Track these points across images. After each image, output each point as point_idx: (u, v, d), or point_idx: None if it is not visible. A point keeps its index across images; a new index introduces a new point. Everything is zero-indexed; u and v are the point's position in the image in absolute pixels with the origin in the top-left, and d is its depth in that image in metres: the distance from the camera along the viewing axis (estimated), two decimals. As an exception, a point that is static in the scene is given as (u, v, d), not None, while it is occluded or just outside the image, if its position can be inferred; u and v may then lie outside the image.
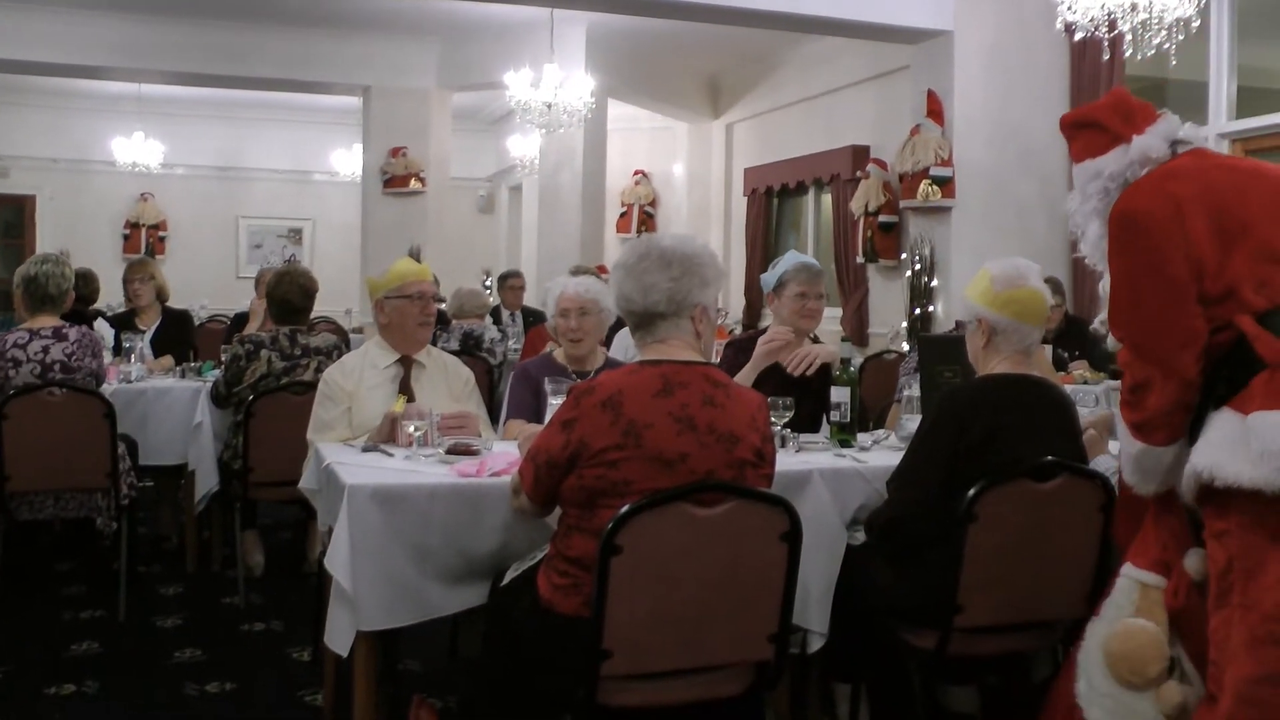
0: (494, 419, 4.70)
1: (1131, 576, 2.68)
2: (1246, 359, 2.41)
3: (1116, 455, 2.90)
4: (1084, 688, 2.67)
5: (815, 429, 4.16)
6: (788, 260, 4.39)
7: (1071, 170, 2.79)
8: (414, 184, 11.44)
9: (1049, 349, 6.23)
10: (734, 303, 12.10)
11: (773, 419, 3.54)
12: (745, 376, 4.21)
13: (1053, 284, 6.33)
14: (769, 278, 4.41)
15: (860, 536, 3.38)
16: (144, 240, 14.82)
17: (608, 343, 5.27)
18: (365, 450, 3.58)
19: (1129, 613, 2.66)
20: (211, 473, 5.42)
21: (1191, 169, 2.59)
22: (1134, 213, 2.53)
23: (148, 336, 6.56)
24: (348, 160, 14.67)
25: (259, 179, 15.59)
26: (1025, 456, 3.01)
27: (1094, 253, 2.70)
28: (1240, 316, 2.44)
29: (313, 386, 4.33)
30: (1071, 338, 6.81)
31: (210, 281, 14.32)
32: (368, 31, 10.97)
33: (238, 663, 4.29)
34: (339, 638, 3.07)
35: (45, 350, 4.76)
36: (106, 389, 5.09)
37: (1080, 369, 6.35)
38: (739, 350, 4.41)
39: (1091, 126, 2.74)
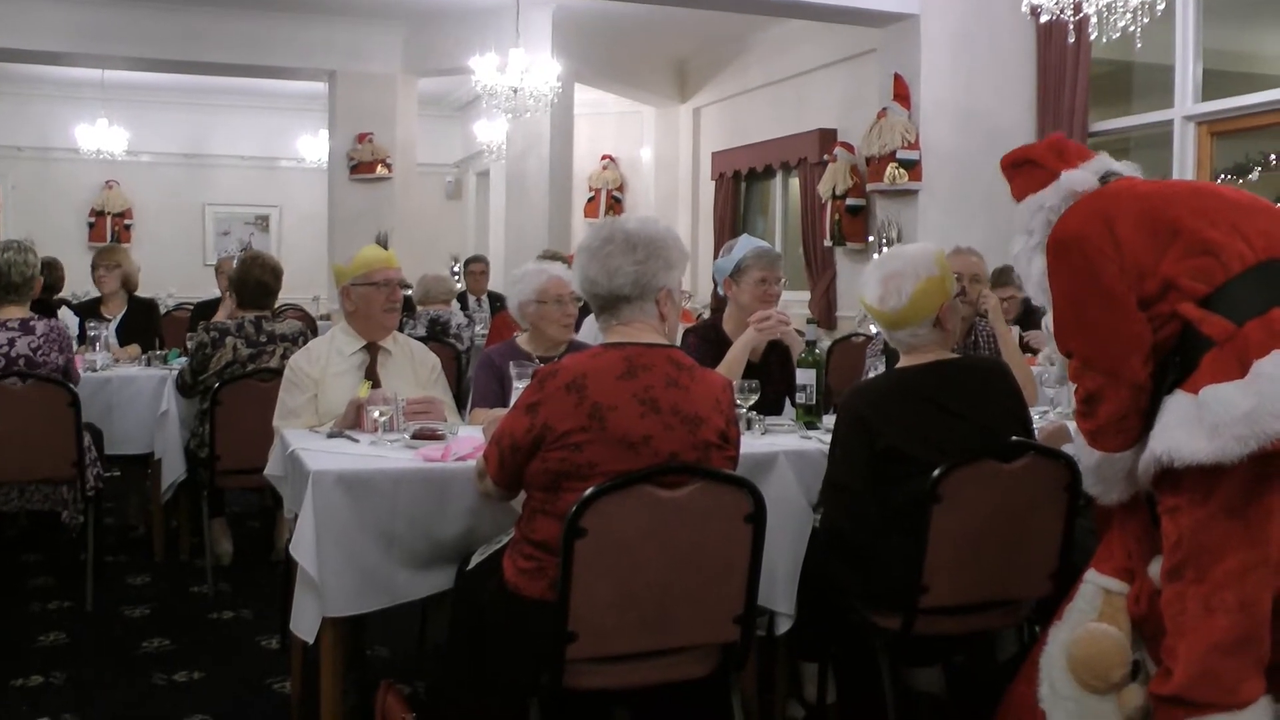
0: (462, 405, 4.69)
1: (1095, 583, 2.74)
2: (1194, 342, 2.47)
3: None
4: (1046, 691, 2.72)
5: (780, 412, 4.17)
6: (744, 245, 4.36)
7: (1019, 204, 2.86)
8: (380, 170, 11.38)
9: (1016, 330, 6.25)
10: (701, 286, 12.11)
11: (738, 401, 3.57)
12: (735, 362, 4.15)
13: (1004, 272, 6.33)
14: (725, 264, 4.38)
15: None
16: (109, 228, 14.68)
17: (577, 328, 5.25)
18: (330, 436, 3.58)
19: (1091, 618, 2.71)
20: (178, 461, 5.39)
21: (1118, 189, 2.70)
22: (1067, 235, 2.64)
23: (113, 325, 6.51)
24: (314, 146, 14.58)
25: (225, 166, 15.47)
26: (959, 437, 3.02)
27: (1038, 291, 2.78)
28: (1182, 305, 2.50)
29: (278, 373, 4.31)
30: (1026, 327, 6.82)
31: (177, 269, 14.22)
32: (332, 16, 10.89)
33: (206, 651, 4.28)
34: (305, 624, 3.06)
35: (11, 343, 4.65)
36: (70, 378, 5.04)
37: (1039, 339, 6.32)
38: (701, 338, 4.39)
39: (1029, 164, 2.86)
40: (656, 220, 2.85)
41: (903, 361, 3.24)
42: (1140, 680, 2.63)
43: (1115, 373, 2.54)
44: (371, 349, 4.11)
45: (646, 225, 2.79)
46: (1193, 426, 2.38)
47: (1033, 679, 2.76)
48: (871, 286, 3.20)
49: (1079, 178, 2.75)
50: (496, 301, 9.47)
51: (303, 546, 2.99)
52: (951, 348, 3.32)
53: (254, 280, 5.33)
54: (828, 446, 3.48)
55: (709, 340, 4.35)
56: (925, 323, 3.15)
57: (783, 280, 4.38)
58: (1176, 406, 2.44)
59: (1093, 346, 2.58)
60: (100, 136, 13.61)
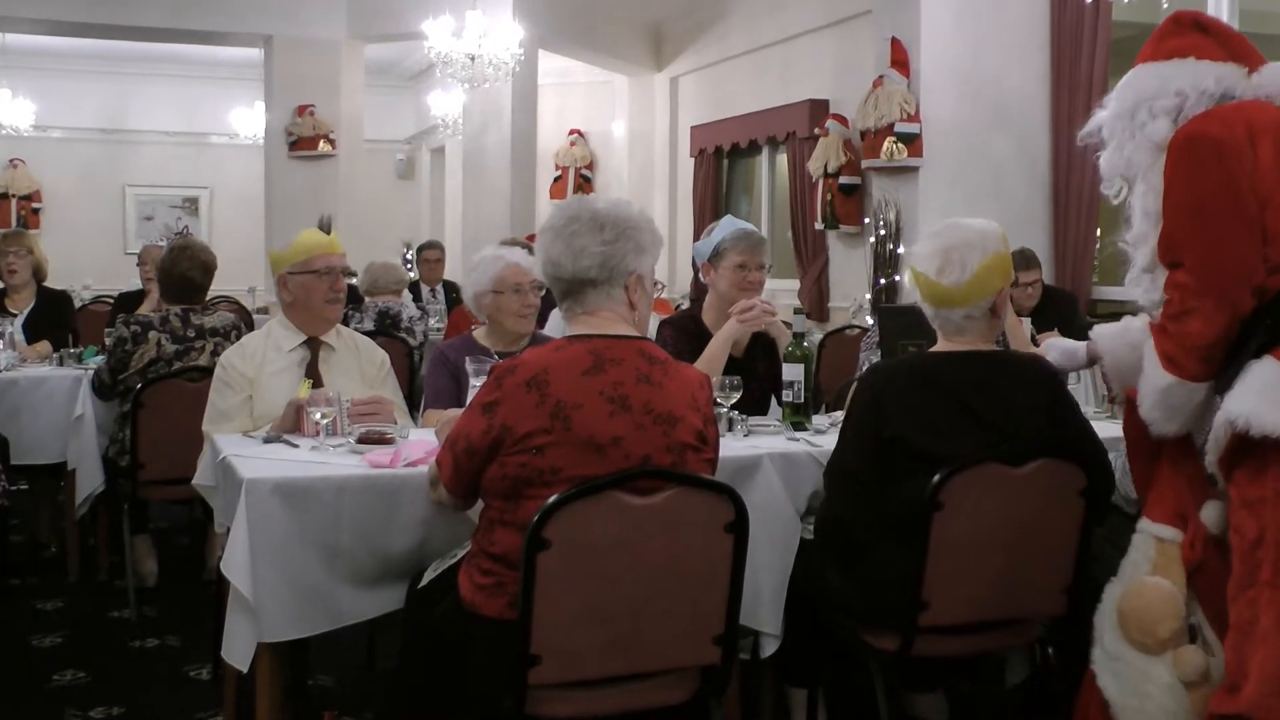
0: (414, 406, 4.70)
1: (1146, 531, 2.78)
2: None
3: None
4: (1098, 653, 2.77)
5: (765, 412, 4.20)
6: (725, 227, 4.40)
7: (1133, 74, 2.86)
8: (323, 146, 11.38)
9: (1028, 323, 6.28)
10: (680, 274, 12.15)
11: (718, 399, 3.59)
12: (716, 357, 4.17)
13: (1025, 256, 6.37)
14: (703, 246, 4.42)
15: (816, 527, 3.42)
16: (14, 212, 14.58)
17: (542, 320, 5.27)
18: (267, 441, 3.59)
19: (1145, 570, 2.75)
20: (95, 471, 5.37)
21: (1267, 107, 2.73)
22: (1207, 134, 2.65)
23: (19, 320, 6.47)
24: (248, 121, 14.53)
25: (148, 142, 15.42)
26: (972, 442, 3.04)
27: (1115, 173, 2.83)
28: None
29: (208, 372, 4.31)
30: (1048, 314, 6.86)
31: (93, 258, 14.16)
32: (268, -26, 10.90)
33: (128, 684, 4.27)
34: (239, 651, 3.07)
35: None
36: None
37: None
38: (678, 330, 4.41)
39: (1206, 32, 2.85)
40: (628, 202, 2.87)
41: (939, 346, 3.26)
42: (1199, 644, 2.66)
43: (1222, 293, 2.58)
44: (313, 344, 4.11)
45: (616, 205, 2.81)
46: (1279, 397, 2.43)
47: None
48: (928, 256, 3.20)
49: (1273, 80, 2.78)
50: (453, 292, 9.49)
51: (236, 564, 3.00)
52: (995, 340, 3.36)
53: (179, 274, 5.31)
54: (816, 449, 3.52)
55: (687, 333, 4.37)
56: (982, 305, 3.18)
57: (767, 266, 4.41)
58: (1264, 372, 2.49)
59: (1208, 259, 2.61)
60: (2, 109, 13.52)
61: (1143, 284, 2.82)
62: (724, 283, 4.34)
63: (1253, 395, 2.47)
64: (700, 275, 4.44)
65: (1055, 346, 3.39)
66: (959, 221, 3.26)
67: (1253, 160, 2.61)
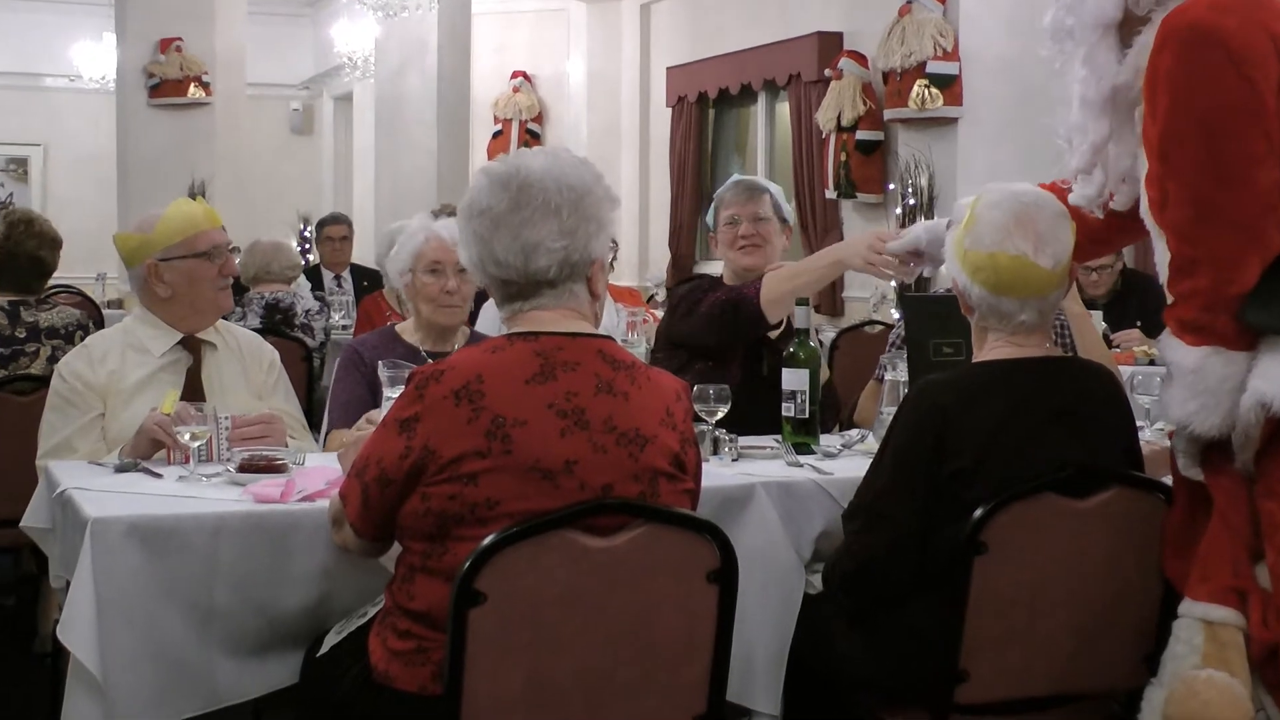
0: (315, 424, 4.69)
1: (1191, 615, 2.78)
2: None
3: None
4: None
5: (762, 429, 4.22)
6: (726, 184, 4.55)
7: None
8: (194, 92, 11.33)
9: (1098, 316, 6.30)
10: (655, 254, 12.15)
11: (700, 413, 3.60)
12: (803, 285, 4.20)
13: None
14: (710, 214, 4.60)
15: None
16: None
17: (473, 317, 5.29)
18: (120, 470, 3.57)
19: (1193, 663, 2.74)
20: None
21: None
22: (1207, 25, 2.64)
23: None
24: (95, 58, 14.48)
25: (-43, 86, 15.36)
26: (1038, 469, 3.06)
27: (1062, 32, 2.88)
28: None
29: (45, 383, 4.29)
30: (1128, 305, 6.88)
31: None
32: None
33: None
34: (82, 742, 3.06)
35: None
36: None
37: (1133, 341, 6.41)
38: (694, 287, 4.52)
39: None
40: (568, 152, 2.87)
41: (997, 351, 3.23)
42: None
43: (1248, 227, 2.61)
44: (191, 344, 4.10)
45: (557, 165, 2.79)
46: None
47: None
48: (1008, 230, 3.11)
49: None
50: (364, 280, 9.45)
51: (77, 629, 2.96)
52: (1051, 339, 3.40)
53: (26, 254, 5.30)
54: (825, 478, 3.53)
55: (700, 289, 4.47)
56: (1064, 289, 3.23)
57: (773, 220, 4.52)
58: None
59: (1221, 186, 2.63)
60: None
61: (1081, 184, 2.92)
62: (720, 247, 4.46)
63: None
64: (710, 248, 4.54)
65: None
66: (1010, 190, 3.23)
67: (1277, 58, 2.62)
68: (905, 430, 3.17)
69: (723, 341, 4.38)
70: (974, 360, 3.31)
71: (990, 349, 3.24)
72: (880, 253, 3.94)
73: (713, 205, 4.60)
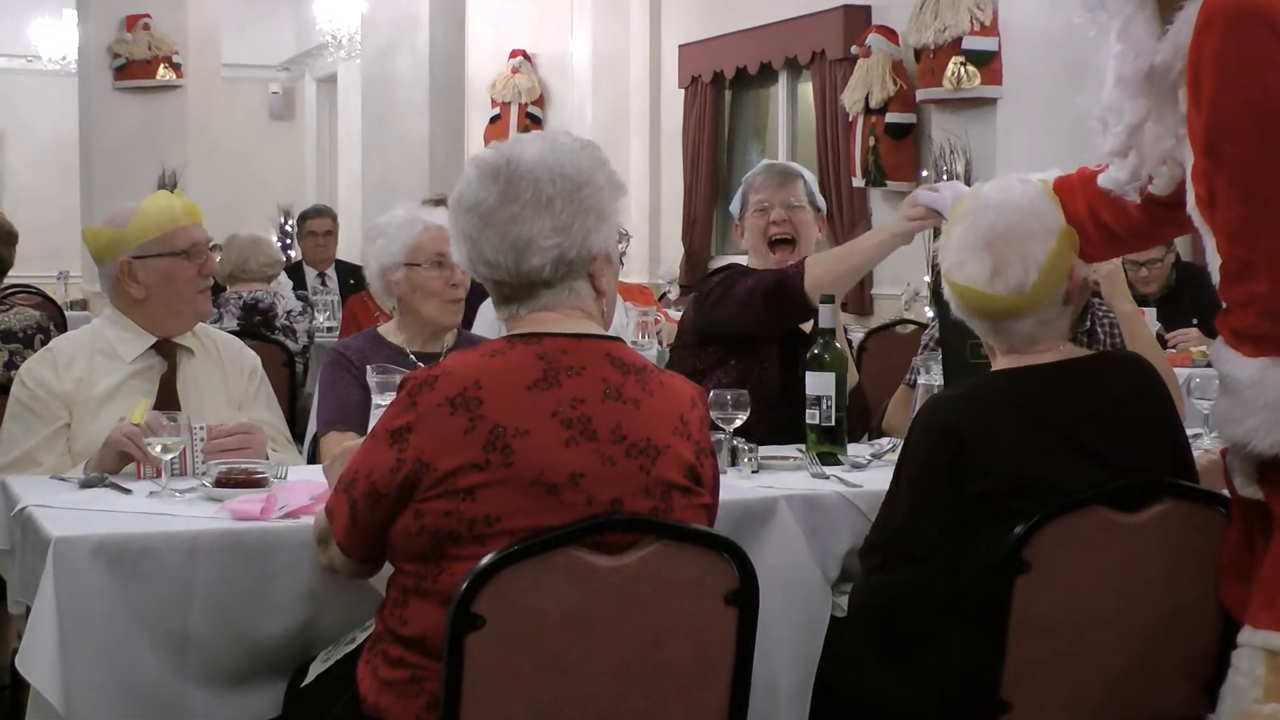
0: (298, 434, 4.69)
1: (1252, 645, 2.77)
2: None
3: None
4: None
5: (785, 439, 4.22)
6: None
7: None
8: (164, 74, 11.34)
9: (1152, 314, 6.27)
10: (667, 248, 12.15)
11: (717, 421, 3.60)
12: (870, 250, 4.30)
13: None
14: (735, 203, 4.65)
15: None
16: None
17: (470, 314, 5.29)
18: (86, 485, 3.57)
19: (1255, 696, 2.74)
20: None
21: None
22: (1272, 8, 2.62)
23: None
24: (54, 36, 14.51)
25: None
26: (1077, 481, 3.06)
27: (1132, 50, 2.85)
28: None
29: (4, 391, 4.30)
30: (1183, 300, 6.86)
31: None
32: None
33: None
34: (43, 782, 3.05)
35: None
36: None
37: (1190, 341, 6.39)
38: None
39: None
40: (568, 136, 2.86)
41: (1010, 361, 3.25)
42: None
43: None
44: (166, 349, 4.10)
45: (554, 152, 2.78)
46: None
47: None
48: (965, 258, 3.16)
49: None
50: (350, 277, 9.45)
51: (39, 659, 2.95)
52: (1078, 334, 3.39)
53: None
54: (853, 490, 3.53)
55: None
56: (1056, 301, 3.19)
57: (801, 207, 4.58)
58: None
59: (1277, 181, 2.60)
60: None
61: (1115, 168, 2.91)
62: (748, 237, 4.51)
63: None
64: (736, 240, 4.57)
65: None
66: (988, 196, 3.23)
67: None
68: (917, 456, 3.19)
69: (761, 326, 4.39)
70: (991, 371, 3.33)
71: (1000, 360, 3.28)
72: (916, 205, 4.05)
73: (739, 192, 4.61)
